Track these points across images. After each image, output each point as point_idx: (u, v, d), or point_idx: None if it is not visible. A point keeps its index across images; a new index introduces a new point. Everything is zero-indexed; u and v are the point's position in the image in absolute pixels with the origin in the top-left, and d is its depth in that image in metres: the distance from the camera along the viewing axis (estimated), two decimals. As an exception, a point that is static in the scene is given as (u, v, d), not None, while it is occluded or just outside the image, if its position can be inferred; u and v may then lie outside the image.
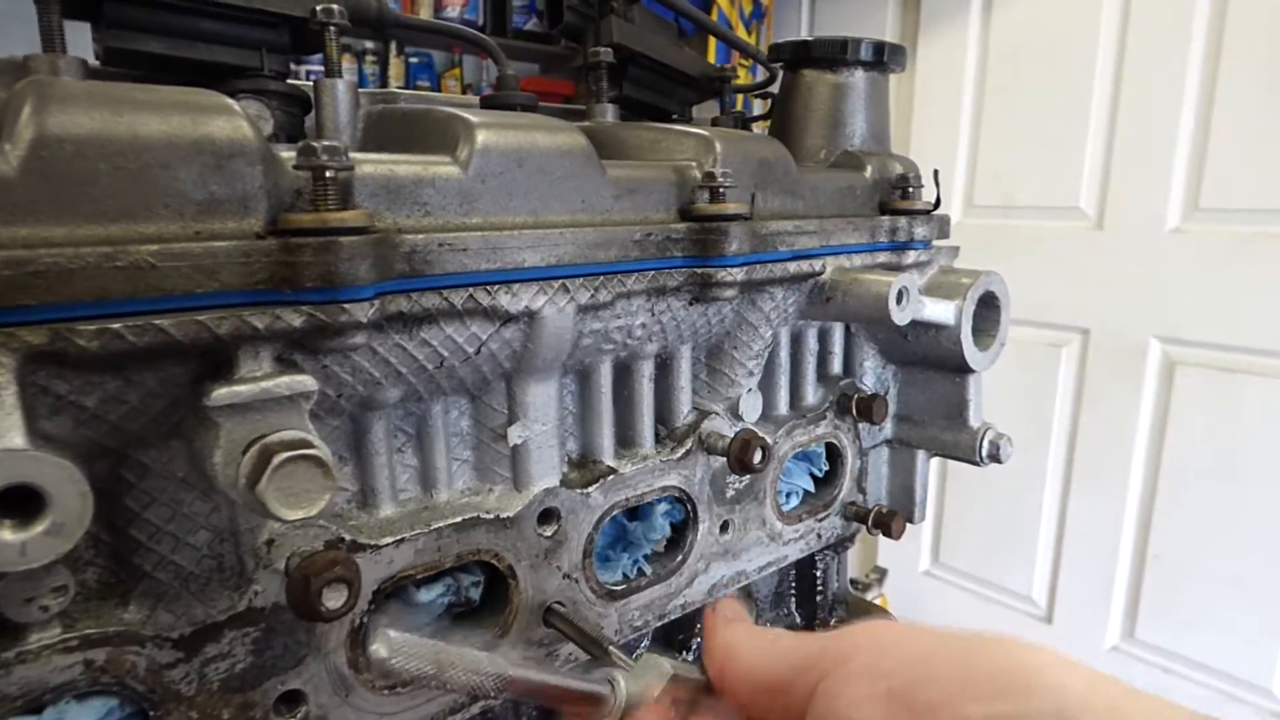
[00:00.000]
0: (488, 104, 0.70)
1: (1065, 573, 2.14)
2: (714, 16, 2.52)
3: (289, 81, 0.61)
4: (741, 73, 2.22)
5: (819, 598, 0.87)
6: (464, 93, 3.20)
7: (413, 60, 3.35)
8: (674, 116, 0.87)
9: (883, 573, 2.62)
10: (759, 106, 2.28)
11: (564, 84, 3.04)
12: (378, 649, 0.38)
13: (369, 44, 3.38)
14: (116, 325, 0.35)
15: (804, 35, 2.65)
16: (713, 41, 2.47)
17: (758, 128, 0.89)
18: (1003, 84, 2.11)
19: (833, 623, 0.89)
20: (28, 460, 0.33)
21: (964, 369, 0.74)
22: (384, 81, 3.15)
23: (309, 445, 0.37)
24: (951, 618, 2.39)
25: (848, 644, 0.35)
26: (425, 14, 3.33)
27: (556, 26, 0.76)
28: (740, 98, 0.96)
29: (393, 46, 3.44)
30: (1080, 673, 0.30)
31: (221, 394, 0.38)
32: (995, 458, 0.76)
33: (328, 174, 0.40)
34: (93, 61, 0.56)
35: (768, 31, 2.73)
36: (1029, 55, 2.04)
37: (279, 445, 0.36)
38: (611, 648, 0.51)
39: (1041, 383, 2.10)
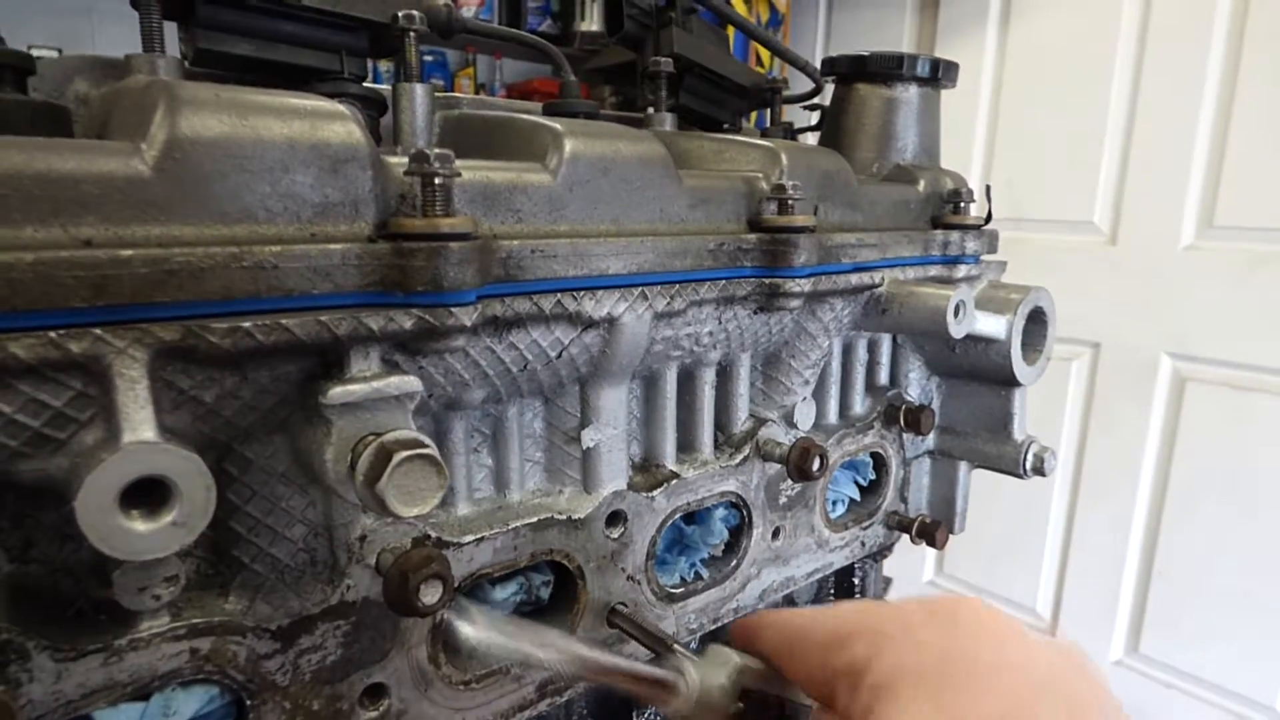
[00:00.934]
0: (550, 111, 0.71)
1: (1070, 586, 2.16)
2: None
3: (366, 84, 0.62)
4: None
5: (854, 604, 0.88)
6: (477, 92, 3.21)
7: (427, 59, 3.36)
8: (724, 126, 0.88)
9: (887, 582, 2.63)
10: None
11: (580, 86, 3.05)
12: (462, 626, 0.39)
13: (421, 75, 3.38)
14: (247, 324, 0.36)
15: (820, 44, 2.68)
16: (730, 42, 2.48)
17: (804, 139, 0.91)
18: (1018, 97, 2.13)
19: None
20: (160, 452, 0.34)
21: (1011, 382, 0.75)
22: (398, 78, 3.15)
23: (425, 445, 0.38)
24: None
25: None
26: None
27: (616, 35, 0.77)
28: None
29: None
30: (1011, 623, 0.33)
31: (337, 393, 0.39)
32: (1039, 470, 0.77)
33: (437, 180, 0.41)
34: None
35: (784, 40, 2.75)
36: (1045, 68, 2.06)
37: (397, 444, 0.37)
38: (677, 646, 0.52)
39: (1051, 396, 2.12)
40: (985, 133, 2.21)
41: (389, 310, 0.40)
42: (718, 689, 0.44)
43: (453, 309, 0.41)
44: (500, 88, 3.24)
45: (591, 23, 2.75)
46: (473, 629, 0.39)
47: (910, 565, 2.50)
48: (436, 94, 0.69)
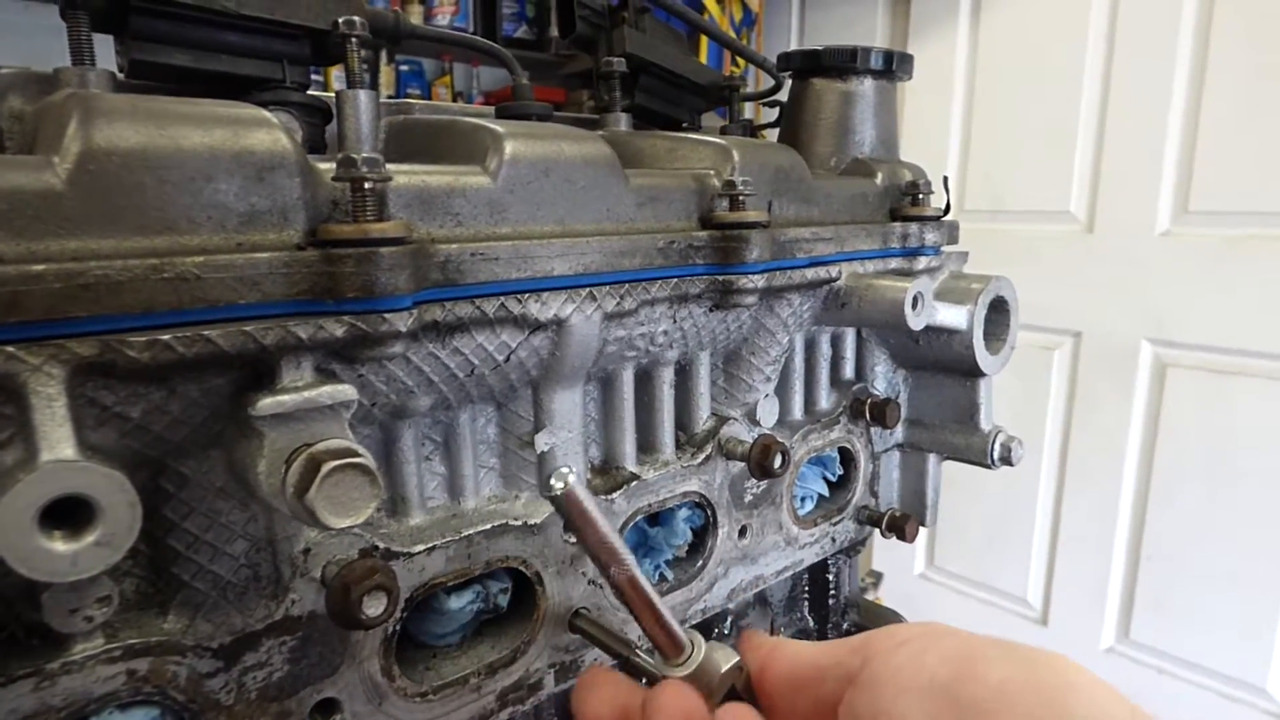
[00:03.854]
0: (503, 114, 0.70)
1: (1060, 575, 2.16)
2: (705, 24, 2.54)
3: (310, 93, 0.61)
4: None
5: (831, 601, 0.87)
6: (454, 100, 3.20)
7: (403, 68, 3.35)
8: (684, 125, 0.88)
9: (878, 576, 2.63)
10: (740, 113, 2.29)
11: (554, 91, 3.06)
12: (555, 483, 0.38)
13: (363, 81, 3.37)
14: (166, 336, 0.35)
15: (794, 41, 2.68)
16: (704, 48, 2.48)
17: (766, 136, 0.90)
18: (992, 88, 2.14)
19: (845, 626, 0.90)
20: (79, 471, 0.33)
21: (975, 373, 0.75)
22: (374, 89, 3.14)
23: (356, 454, 0.37)
24: (947, 620, 2.40)
25: (888, 639, 0.36)
26: (416, 21, 3.33)
27: (568, 36, 0.77)
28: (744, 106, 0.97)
29: (383, 55, 3.44)
30: (1125, 706, 0.30)
31: (266, 404, 0.38)
32: (1007, 460, 0.77)
33: (366, 185, 0.40)
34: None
35: (758, 38, 2.75)
36: (1017, 59, 2.07)
37: (326, 454, 0.37)
38: (639, 650, 0.52)
39: (1034, 385, 2.12)
40: (961, 126, 2.21)
41: (319, 318, 0.39)
42: (714, 675, 0.43)
43: (386, 315, 0.41)
44: (478, 95, 3.23)
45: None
46: (564, 486, 0.39)
47: (901, 559, 2.50)
48: (390, 102, 0.69)
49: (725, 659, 0.44)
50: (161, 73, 0.55)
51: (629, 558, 0.41)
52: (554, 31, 2.79)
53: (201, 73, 0.56)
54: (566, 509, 0.39)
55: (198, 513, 0.42)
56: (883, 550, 2.55)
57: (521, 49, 3.04)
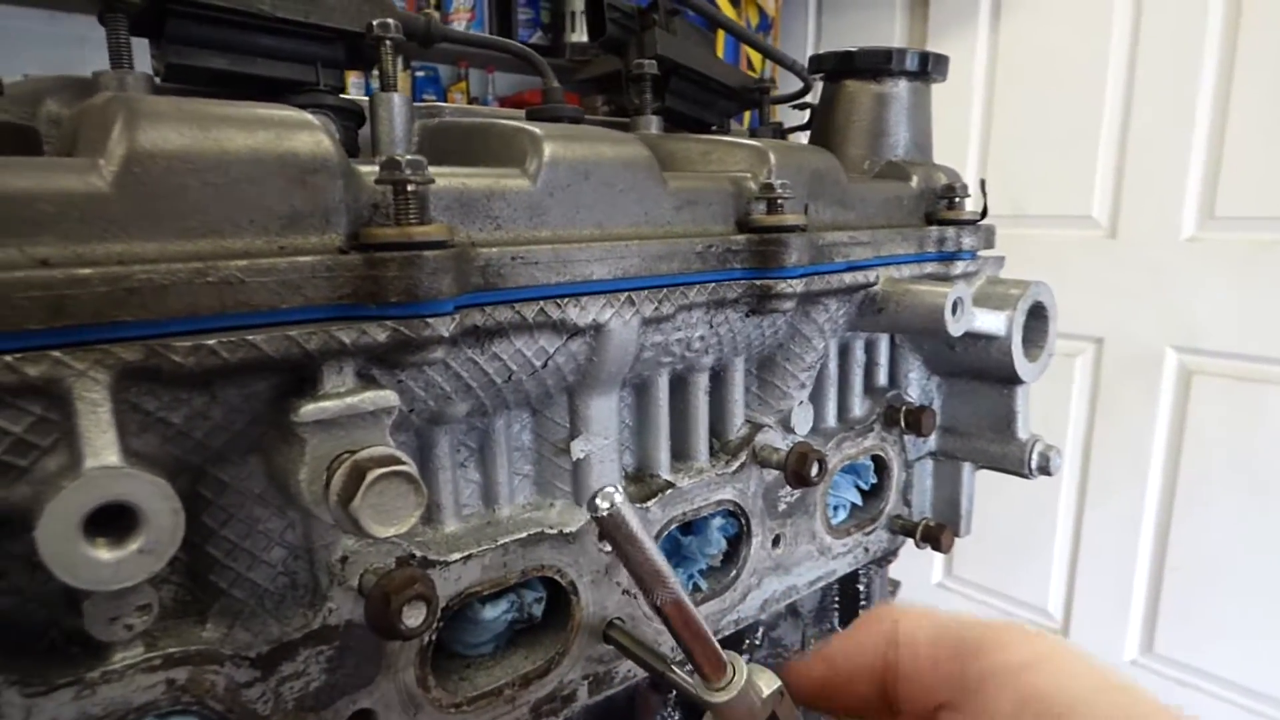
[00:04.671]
0: (534, 117, 0.70)
1: (1081, 585, 2.13)
2: (721, 28, 2.54)
3: (343, 96, 0.61)
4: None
5: (862, 612, 0.86)
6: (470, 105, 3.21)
7: (419, 74, 3.36)
8: (713, 128, 0.87)
9: (895, 585, 2.60)
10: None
11: (569, 97, 3.05)
12: (600, 503, 0.37)
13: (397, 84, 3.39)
14: (211, 341, 0.35)
15: (811, 46, 2.67)
16: (721, 50, 2.47)
17: (794, 139, 0.89)
18: (1012, 92, 2.12)
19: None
20: (123, 478, 0.32)
21: (1013, 380, 0.73)
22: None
23: (400, 461, 0.36)
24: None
25: (1005, 652, 0.33)
26: (438, 28, 3.34)
27: (598, 38, 0.76)
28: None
29: (399, 60, 3.45)
30: None
31: (309, 410, 0.37)
32: (1045, 470, 0.75)
33: (409, 188, 0.39)
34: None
35: (774, 43, 2.75)
36: (1038, 62, 2.05)
37: (371, 462, 0.36)
38: (674, 665, 0.51)
39: (1054, 393, 2.10)
40: (980, 131, 2.20)
41: (362, 323, 0.39)
42: (755, 700, 0.42)
43: (429, 320, 0.40)
44: (493, 100, 3.24)
45: (581, 34, 2.75)
46: (609, 506, 0.38)
47: (918, 568, 2.47)
48: (420, 104, 0.68)
49: (767, 684, 0.43)
50: (198, 76, 0.55)
51: (674, 580, 0.40)
52: (570, 37, 2.79)
53: (237, 76, 0.56)
54: (611, 532, 0.38)
55: (236, 519, 0.41)
56: (901, 557, 2.52)
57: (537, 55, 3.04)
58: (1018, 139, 2.11)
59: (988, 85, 2.17)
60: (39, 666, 0.37)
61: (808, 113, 0.90)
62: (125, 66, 0.49)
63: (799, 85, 0.89)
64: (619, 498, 0.38)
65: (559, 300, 0.48)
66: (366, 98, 0.60)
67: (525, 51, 0.67)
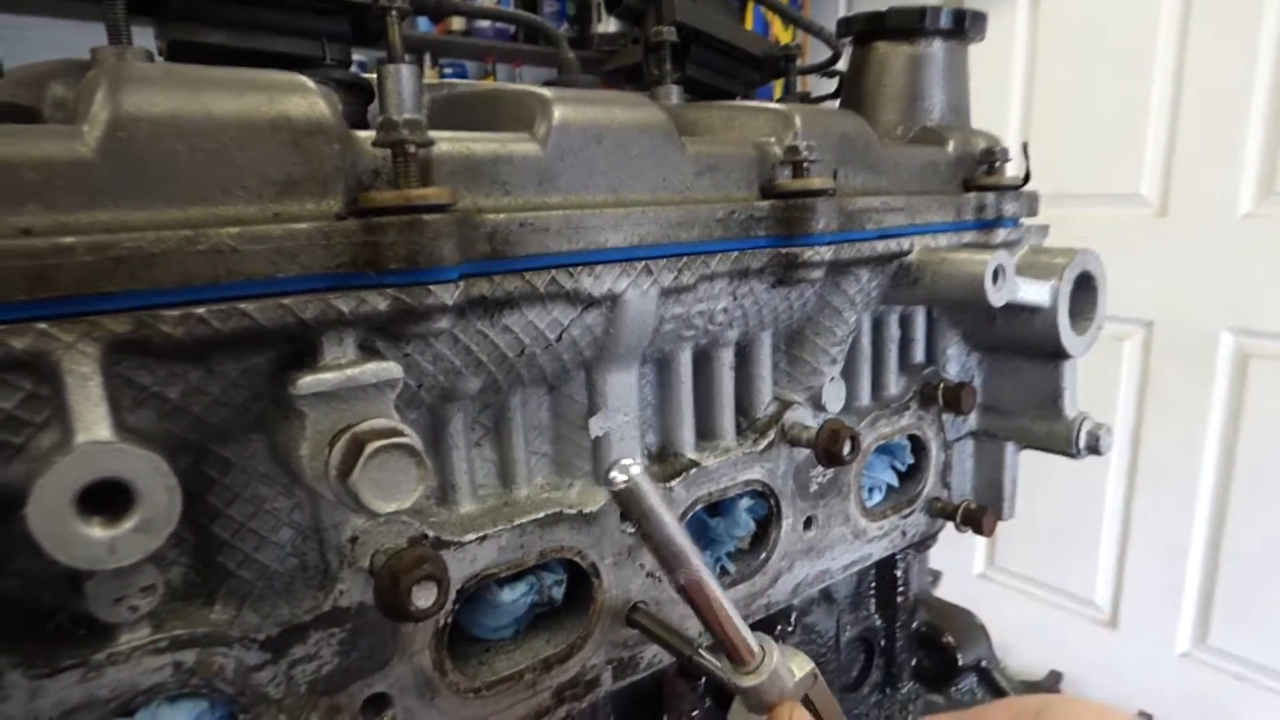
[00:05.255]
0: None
1: (1131, 575, 2.05)
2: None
3: (352, 71, 0.60)
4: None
5: (900, 599, 0.83)
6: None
7: (447, 70, 3.37)
8: (737, 98, 0.84)
9: (936, 576, 2.54)
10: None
11: (601, 85, 3.03)
12: (617, 475, 0.36)
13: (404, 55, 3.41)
14: (201, 310, 0.33)
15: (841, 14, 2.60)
16: (750, 20, 2.42)
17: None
18: (1055, 66, 2.04)
19: (915, 626, 0.85)
20: (116, 453, 0.31)
21: (1058, 354, 0.69)
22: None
23: (401, 434, 0.35)
24: (1010, 623, 2.31)
25: None
26: (458, 24, 3.36)
27: (615, 9, 0.74)
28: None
29: (427, 58, 3.46)
30: None
31: (307, 382, 0.36)
32: (1094, 449, 0.71)
33: (409, 149, 0.38)
34: (157, 58, 0.55)
35: (804, 13, 2.69)
36: (1083, 33, 1.97)
37: (371, 434, 0.34)
38: (702, 650, 0.48)
39: (1102, 378, 2.02)
40: (1021, 106, 2.12)
41: (361, 292, 0.37)
42: (786, 684, 0.41)
43: (431, 287, 0.38)
44: (523, 92, 3.22)
45: (608, 25, 2.72)
46: (625, 478, 0.36)
47: (959, 557, 2.41)
48: (430, 83, 0.67)
49: (800, 666, 0.41)
50: (200, 53, 0.54)
51: (696, 559, 0.38)
52: (597, 28, 2.77)
53: (240, 52, 0.54)
54: (629, 505, 0.36)
55: (242, 499, 0.40)
56: (940, 548, 2.46)
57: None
58: (1062, 114, 2.03)
59: (1029, 58, 2.09)
60: (44, 649, 0.36)
61: (835, 82, 0.87)
62: (124, 43, 0.48)
63: (828, 56, 0.86)
64: (636, 469, 0.36)
65: (571, 269, 0.45)
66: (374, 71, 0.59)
67: (532, 19, 0.65)
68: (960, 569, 2.42)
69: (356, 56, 0.62)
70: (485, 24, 3.33)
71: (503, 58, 3.04)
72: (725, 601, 0.40)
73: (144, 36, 0.53)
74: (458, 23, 3.38)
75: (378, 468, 0.34)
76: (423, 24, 3.38)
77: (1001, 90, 2.10)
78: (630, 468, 0.36)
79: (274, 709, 0.42)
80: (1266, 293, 1.74)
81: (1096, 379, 2.01)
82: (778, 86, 0.94)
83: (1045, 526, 2.18)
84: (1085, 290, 0.70)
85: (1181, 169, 1.84)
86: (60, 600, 0.38)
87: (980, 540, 2.37)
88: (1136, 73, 1.87)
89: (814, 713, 0.41)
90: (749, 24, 2.45)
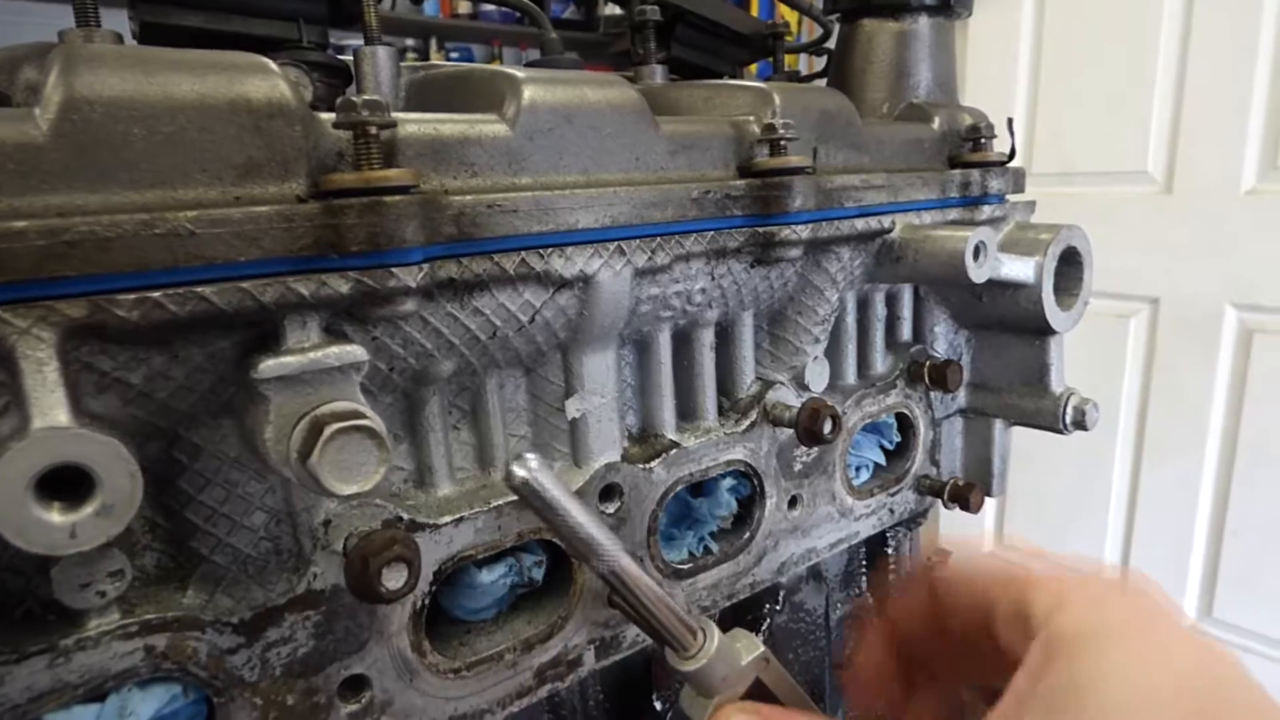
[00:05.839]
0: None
1: (1137, 549, 2.05)
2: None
3: (329, 53, 0.59)
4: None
5: (891, 576, 0.83)
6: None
7: (453, 55, 3.35)
8: (725, 78, 0.83)
9: (945, 554, 2.54)
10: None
11: (604, 69, 3.01)
12: (515, 470, 0.36)
13: (409, 41, 3.40)
14: (157, 294, 0.33)
15: None
16: (755, 2, 2.40)
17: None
18: (1060, 45, 2.01)
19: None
20: (73, 438, 0.31)
21: (1045, 331, 0.69)
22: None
23: (361, 415, 0.35)
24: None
25: (1083, 617, 0.30)
26: (465, 8, 3.33)
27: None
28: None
29: (433, 43, 3.44)
30: None
31: (269, 365, 0.36)
32: (1080, 424, 0.71)
33: (370, 130, 0.37)
34: (129, 41, 0.55)
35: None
36: (1087, 11, 1.94)
37: (330, 416, 0.34)
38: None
39: (1108, 354, 2.01)
40: (1027, 86, 2.09)
41: (322, 275, 0.37)
42: (732, 667, 0.40)
43: (394, 269, 0.38)
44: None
45: (614, 8, 2.70)
46: (525, 474, 0.35)
47: (967, 532, 2.41)
48: (411, 64, 0.66)
49: (748, 649, 0.40)
50: (174, 36, 0.53)
51: (613, 547, 0.38)
52: (603, 11, 2.75)
53: (215, 34, 0.54)
54: (529, 499, 0.36)
55: (214, 484, 0.40)
56: (949, 528, 2.46)
57: (570, 29, 3.01)
58: (1068, 93, 2.01)
59: (1035, 35, 2.06)
60: (11, 634, 0.37)
61: (824, 60, 0.86)
62: (92, 25, 0.47)
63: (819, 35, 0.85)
64: (534, 464, 0.36)
65: (541, 250, 0.45)
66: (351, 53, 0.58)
67: (522, 2, 0.64)
68: (969, 547, 2.41)
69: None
70: (491, 8, 3.31)
71: (509, 41, 3.02)
72: (650, 587, 0.39)
73: (120, 21, 0.53)
74: (464, 6, 3.36)
75: (338, 450, 0.34)
76: (429, 8, 3.36)
77: (1007, 67, 2.08)
78: (529, 461, 0.36)
79: (249, 692, 0.42)
80: (1269, 268, 1.73)
81: (1104, 355, 2.00)
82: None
83: (1053, 501, 2.18)
84: (1071, 266, 0.69)
85: (1187, 146, 1.82)
86: (29, 586, 0.38)
87: (989, 518, 2.37)
88: (1142, 50, 1.84)
89: (767, 696, 0.40)
90: (755, 5, 2.42)
